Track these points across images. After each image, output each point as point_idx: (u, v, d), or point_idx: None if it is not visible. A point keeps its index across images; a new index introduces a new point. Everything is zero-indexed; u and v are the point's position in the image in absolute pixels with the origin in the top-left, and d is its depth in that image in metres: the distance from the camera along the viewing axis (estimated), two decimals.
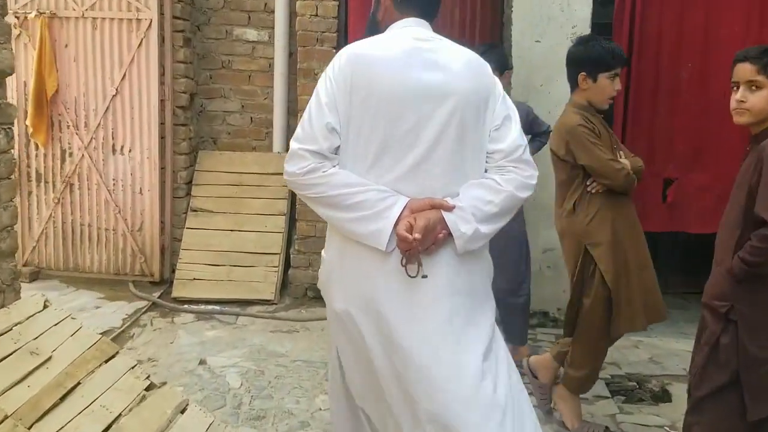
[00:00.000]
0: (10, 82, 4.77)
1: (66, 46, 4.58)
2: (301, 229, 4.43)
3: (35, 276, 4.71)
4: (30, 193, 4.75)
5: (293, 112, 4.60)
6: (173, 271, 4.56)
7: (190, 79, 4.69)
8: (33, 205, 4.75)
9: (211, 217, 4.60)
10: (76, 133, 4.63)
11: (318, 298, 4.41)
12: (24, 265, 4.75)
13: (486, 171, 1.84)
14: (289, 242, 4.55)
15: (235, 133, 4.86)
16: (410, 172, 1.77)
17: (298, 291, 4.46)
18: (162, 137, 4.59)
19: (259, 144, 4.86)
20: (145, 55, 4.51)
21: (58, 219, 4.72)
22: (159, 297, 4.41)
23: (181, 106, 4.62)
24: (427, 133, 1.77)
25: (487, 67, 1.90)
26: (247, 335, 3.85)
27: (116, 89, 4.55)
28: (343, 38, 4.36)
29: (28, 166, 4.72)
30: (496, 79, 1.90)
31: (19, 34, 4.59)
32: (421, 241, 1.68)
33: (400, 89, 1.76)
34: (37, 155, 4.71)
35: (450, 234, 1.75)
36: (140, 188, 4.63)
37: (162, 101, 4.55)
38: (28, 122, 4.54)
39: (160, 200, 4.62)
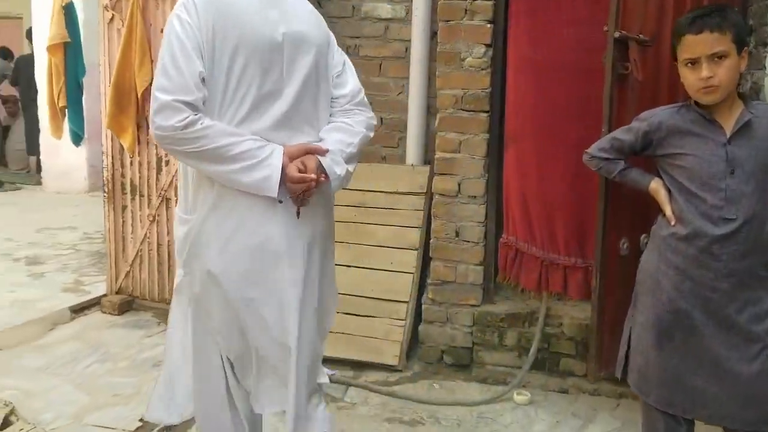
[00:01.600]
0: (101, 76, 4.10)
1: (161, 31, 3.76)
2: (438, 271, 3.28)
3: (127, 307, 3.98)
4: (125, 207, 4.02)
5: (432, 111, 3.45)
6: None
7: None
8: (128, 222, 4.02)
9: None
10: None
11: (459, 369, 3.24)
12: (117, 292, 4.05)
13: (331, 115, 1.93)
14: (421, 287, 3.41)
15: None
16: (279, 121, 1.79)
17: (431, 355, 3.31)
18: None
19: (389, 153, 3.77)
20: None
21: (153, 240, 3.95)
22: None
23: None
24: (293, 84, 1.81)
25: (319, 13, 1.95)
26: (354, 424, 2.77)
27: None
28: (502, 7, 3.12)
29: (123, 175, 3.99)
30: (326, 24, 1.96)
31: (112, 18, 3.84)
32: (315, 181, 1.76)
33: (268, 41, 1.76)
34: (132, 163, 3.96)
35: (327, 177, 1.81)
36: None
37: None
38: (106, 124, 3.80)
39: None
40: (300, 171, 1.73)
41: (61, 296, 4.11)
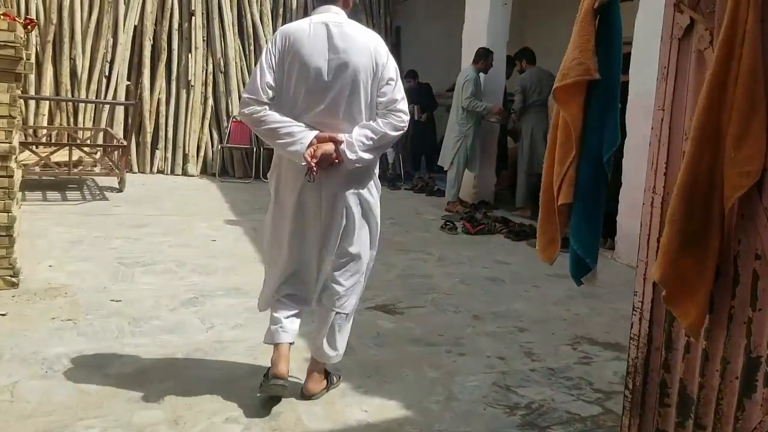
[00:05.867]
0: (652, 149, 1.94)
1: None
2: None
3: None
4: None
5: None
6: None
7: None
8: None
9: None
10: None
11: None
12: None
13: (377, 116, 2.88)
14: None
15: None
16: (319, 115, 2.81)
17: None
18: None
19: None
20: None
21: None
22: None
23: None
24: (330, 93, 2.79)
25: (379, 46, 2.87)
26: None
27: None
28: None
29: (668, 369, 1.84)
30: (386, 55, 2.88)
31: (690, 27, 1.71)
32: (317, 163, 2.74)
33: (313, 64, 2.77)
34: (684, 356, 1.77)
35: (340, 159, 2.80)
36: None
37: None
38: (657, 276, 1.67)
39: None
40: (310, 154, 2.74)
41: None
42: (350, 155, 2.77)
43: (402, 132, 2.87)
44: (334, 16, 2.86)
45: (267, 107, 2.80)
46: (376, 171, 3.05)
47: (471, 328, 4.21)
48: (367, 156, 2.81)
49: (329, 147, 2.76)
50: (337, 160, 2.79)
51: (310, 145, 2.75)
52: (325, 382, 3.14)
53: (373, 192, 3.01)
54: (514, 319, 4.43)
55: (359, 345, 3.76)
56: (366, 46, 2.82)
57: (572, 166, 2.10)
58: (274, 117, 2.79)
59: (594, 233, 2.25)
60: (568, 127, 2.09)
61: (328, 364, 3.13)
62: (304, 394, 3.08)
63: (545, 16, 11.00)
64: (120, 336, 3.77)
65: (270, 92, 2.80)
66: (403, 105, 2.86)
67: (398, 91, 2.86)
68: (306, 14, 10.68)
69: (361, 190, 2.94)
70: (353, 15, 3.01)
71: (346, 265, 2.99)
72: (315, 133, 2.78)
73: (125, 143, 8.19)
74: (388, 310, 4.45)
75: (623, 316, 4.59)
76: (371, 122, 2.84)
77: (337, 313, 3.02)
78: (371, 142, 2.80)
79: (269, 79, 2.79)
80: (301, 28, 2.85)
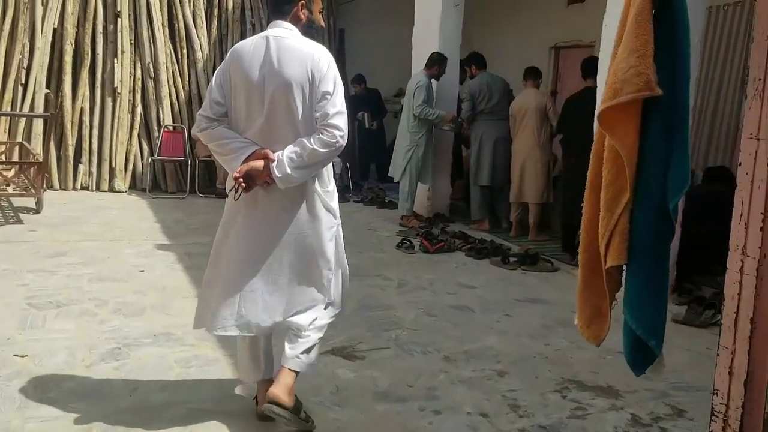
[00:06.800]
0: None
1: None
2: None
3: None
4: None
5: None
6: None
7: None
8: None
9: None
10: None
11: None
12: None
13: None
14: None
15: None
16: (260, 130, 2.76)
17: None
18: None
19: None
20: None
21: None
22: None
23: None
24: (265, 107, 2.72)
25: (319, 56, 2.71)
26: None
27: None
28: None
29: None
30: (326, 66, 2.71)
31: None
32: (243, 179, 2.69)
33: (249, 77, 2.72)
34: None
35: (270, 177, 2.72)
36: None
37: None
38: None
39: None
40: (238, 172, 2.70)
41: None
42: (277, 173, 2.69)
43: (334, 149, 2.72)
44: (282, 30, 2.79)
45: (216, 123, 2.80)
46: (324, 188, 2.89)
47: (444, 375, 3.65)
48: (296, 174, 2.70)
49: (258, 164, 2.71)
50: (269, 178, 2.71)
51: (246, 161, 2.72)
52: (293, 398, 2.85)
53: (318, 211, 2.86)
54: (490, 360, 3.90)
55: (316, 406, 3.16)
56: (303, 57, 2.71)
57: (625, 213, 1.54)
58: (220, 133, 2.80)
59: (658, 305, 1.68)
60: (618, 160, 1.51)
61: (293, 369, 2.84)
62: (268, 399, 2.79)
63: (488, 16, 10.62)
64: (22, 406, 3.06)
65: (219, 109, 2.80)
66: (337, 120, 2.70)
67: (332, 106, 2.70)
68: (243, 14, 10.05)
69: (302, 210, 2.84)
70: (307, 31, 2.86)
71: (299, 286, 2.88)
72: (253, 149, 2.75)
73: (41, 160, 7.33)
74: (346, 354, 3.86)
75: (607, 350, 4.12)
76: (303, 138, 2.71)
77: (289, 326, 2.87)
78: (300, 160, 2.69)
79: (216, 95, 2.80)
80: (245, 43, 2.83)
